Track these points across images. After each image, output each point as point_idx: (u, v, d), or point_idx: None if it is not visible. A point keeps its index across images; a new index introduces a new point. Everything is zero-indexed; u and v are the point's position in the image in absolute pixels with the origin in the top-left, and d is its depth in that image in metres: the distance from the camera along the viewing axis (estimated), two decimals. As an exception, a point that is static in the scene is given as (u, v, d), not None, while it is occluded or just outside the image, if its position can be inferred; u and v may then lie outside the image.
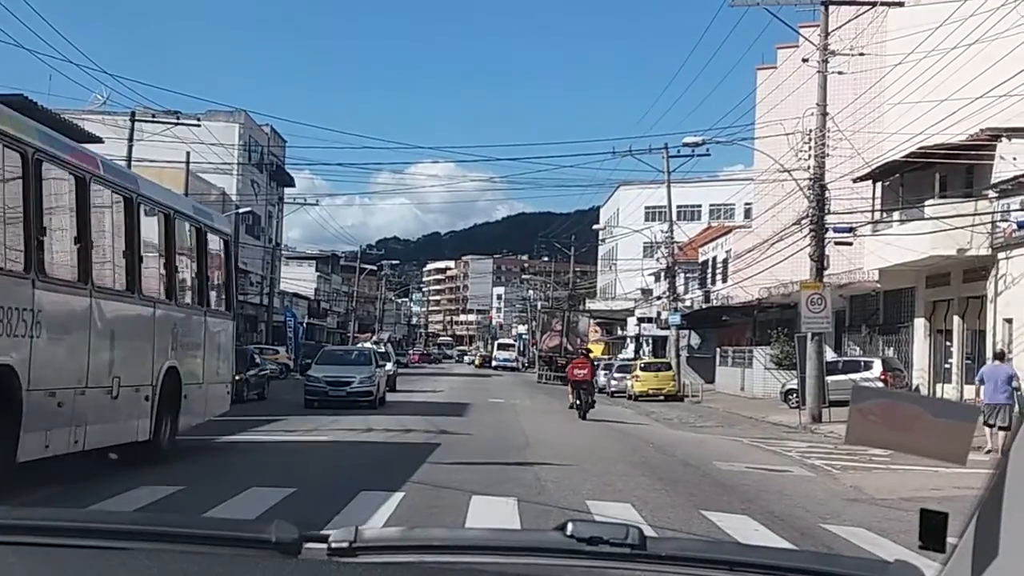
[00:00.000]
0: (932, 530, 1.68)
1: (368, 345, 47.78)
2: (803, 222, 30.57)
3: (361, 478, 13.30)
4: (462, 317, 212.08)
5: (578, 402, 29.55)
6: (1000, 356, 21.74)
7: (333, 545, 1.71)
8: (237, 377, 35.10)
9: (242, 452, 17.39)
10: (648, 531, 1.73)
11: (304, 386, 30.90)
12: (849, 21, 31.39)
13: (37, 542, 1.68)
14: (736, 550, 1.77)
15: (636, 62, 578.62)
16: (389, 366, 41.32)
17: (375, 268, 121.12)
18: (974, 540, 1.40)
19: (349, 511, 10.48)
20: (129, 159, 37.78)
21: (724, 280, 55.14)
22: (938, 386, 33.22)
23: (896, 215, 33.58)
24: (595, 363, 39.22)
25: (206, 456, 16.17)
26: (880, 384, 29.33)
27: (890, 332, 37.90)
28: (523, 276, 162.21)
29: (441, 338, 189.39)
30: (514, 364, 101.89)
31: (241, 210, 57.71)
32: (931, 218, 29.94)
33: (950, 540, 1.56)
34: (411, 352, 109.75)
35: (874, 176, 34.15)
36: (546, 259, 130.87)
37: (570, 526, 1.67)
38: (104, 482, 12.12)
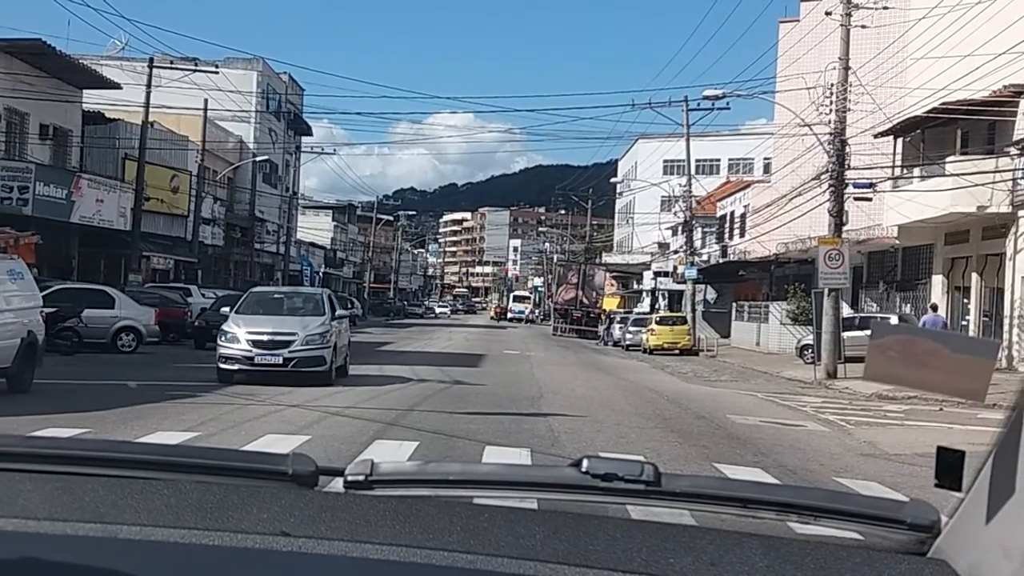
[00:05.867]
0: (949, 468, 1.67)
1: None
2: (822, 177, 30.37)
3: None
4: (478, 269, 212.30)
5: (501, 317, 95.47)
6: (935, 308, 29.16)
7: (349, 478, 1.72)
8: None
9: None
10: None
11: (217, 347, 20.57)
12: (874, -26, 30.99)
13: (53, 470, 1.69)
14: (750, 488, 1.77)
15: (658, 12, 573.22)
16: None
17: (392, 218, 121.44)
18: (991, 479, 1.40)
19: (364, 457, 10.59)
20: (147, 105, 37.80)
21: (741, 235, 54.97)
22: (954, 344, 33.14)
23: (916, 171, 33.34)
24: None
25: None
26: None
27: (908, 288, 37.76)
28: (540, 228, 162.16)
29: (457, 289, 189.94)
30: (530, 316, 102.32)
31: (258, 158, 57.79)
32: (952, 175, 29.70)
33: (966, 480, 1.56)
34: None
35: (895, 131, 33.86)
36: (563, 212, 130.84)
37: (585, 462, 1.67)
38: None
